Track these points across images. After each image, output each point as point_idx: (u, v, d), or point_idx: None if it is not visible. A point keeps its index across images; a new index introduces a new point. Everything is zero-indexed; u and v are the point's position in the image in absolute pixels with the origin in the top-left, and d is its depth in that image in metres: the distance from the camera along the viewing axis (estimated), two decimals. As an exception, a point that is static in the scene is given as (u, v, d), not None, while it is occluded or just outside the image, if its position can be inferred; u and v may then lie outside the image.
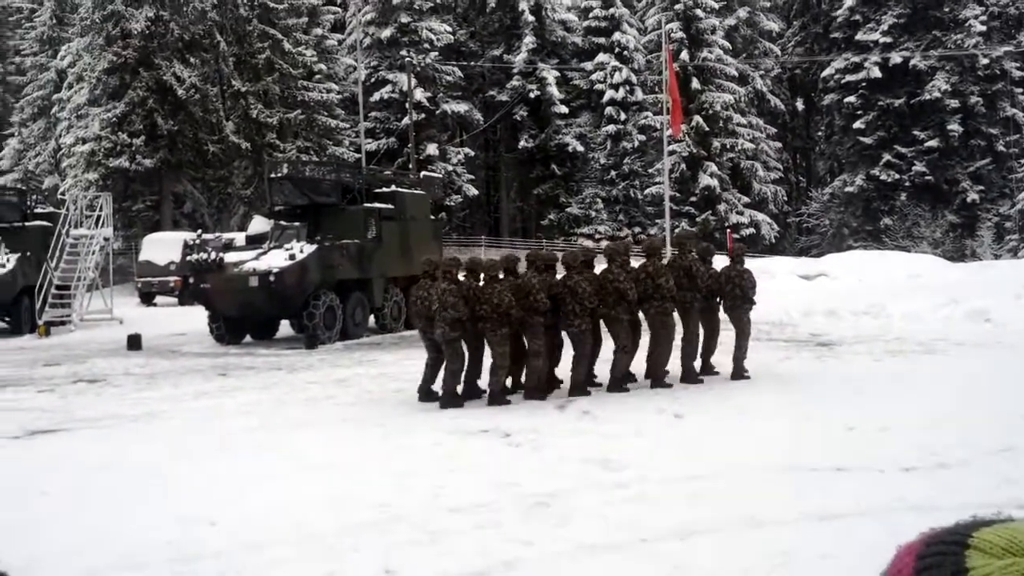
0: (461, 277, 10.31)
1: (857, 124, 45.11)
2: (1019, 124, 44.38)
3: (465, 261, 10.64)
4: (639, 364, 10.90)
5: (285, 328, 19.66)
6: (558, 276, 10.70)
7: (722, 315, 11.37)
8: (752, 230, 40.83)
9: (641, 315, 10.88)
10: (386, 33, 39.35)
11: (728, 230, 34.81)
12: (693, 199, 40.87)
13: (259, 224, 19.25)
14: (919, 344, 13.58)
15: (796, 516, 5.61)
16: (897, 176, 43.78)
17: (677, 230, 36.15)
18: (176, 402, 11.02)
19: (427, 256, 11.23)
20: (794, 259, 30.93)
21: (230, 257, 17.66)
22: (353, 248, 18.17)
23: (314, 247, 17.19)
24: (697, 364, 11.18)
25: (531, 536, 5.36)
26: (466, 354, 10.26)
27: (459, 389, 10.17)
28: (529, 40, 41.42)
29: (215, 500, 6.39)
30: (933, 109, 43.55)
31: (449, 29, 40.44)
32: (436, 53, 39.65)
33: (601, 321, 10.74)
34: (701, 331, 11.22)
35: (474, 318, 9.97)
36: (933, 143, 43.37)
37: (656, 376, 10.81)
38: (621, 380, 10.62)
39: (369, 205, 19.18)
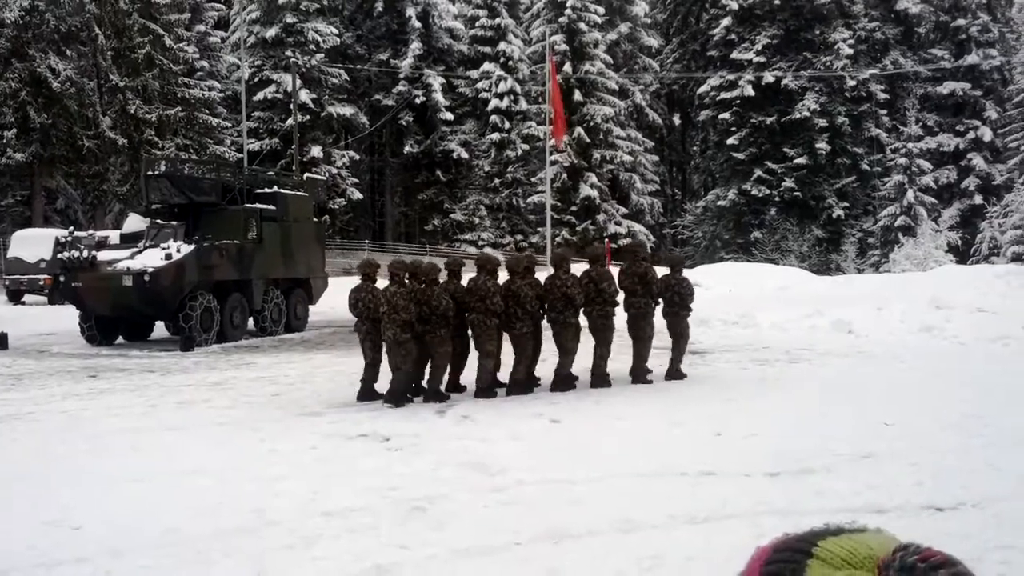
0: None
1: (731, 140, 46.55)
2: (882, 144, 46.49)
3: (409, 264, 10.80)
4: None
5: (160, 330, 19.14)
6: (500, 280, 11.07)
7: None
8: (629, 240, 41.65)
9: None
10: (271, 32, 38.69)
11: (607, 240, 35.44)
12: (574, 209, 41.46)
13: (135, 222, 18.68)
14: (786, 353, 14.09)
15: (666, 519, 5.76)
16: (767, 191, 45.35)
17: (556, 238, 36.59)
18: (43, 404, 10.62)
19: (366, 259, 11.43)
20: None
21: (103, 255, 17.13)
22: (232, 249, 17.83)
23: (192, 247, 16.81)
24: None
25: (406, 540, 5.38)
26: (415, 354, 10.43)
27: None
28: (416, 46, 41.36)
29: (81, 504, 6.21)
30: (803, 128, 45.27)
31: (335, 31, 40.02)
32: (322, 55, 39.18)
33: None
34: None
35: (418, 319, 10.28)
36: (802, 160, 45.09)
37: (597, 374, 11.34)
38: (566, 379, 11.12)
39: (250, 206, 18.85)
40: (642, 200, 44.49)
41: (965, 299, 19.60)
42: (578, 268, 11.60)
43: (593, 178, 41.65)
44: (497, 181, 42.61)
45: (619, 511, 5.92)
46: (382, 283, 10.80)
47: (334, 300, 25.69)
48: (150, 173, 17.98)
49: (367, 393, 10.65)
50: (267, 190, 19.79)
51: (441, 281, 10.73)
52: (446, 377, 10.78)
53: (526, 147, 42.83)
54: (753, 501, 6.12)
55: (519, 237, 43.02)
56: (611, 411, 9.59)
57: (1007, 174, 46.24)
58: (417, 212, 45.36)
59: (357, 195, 40.85)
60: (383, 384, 10.68)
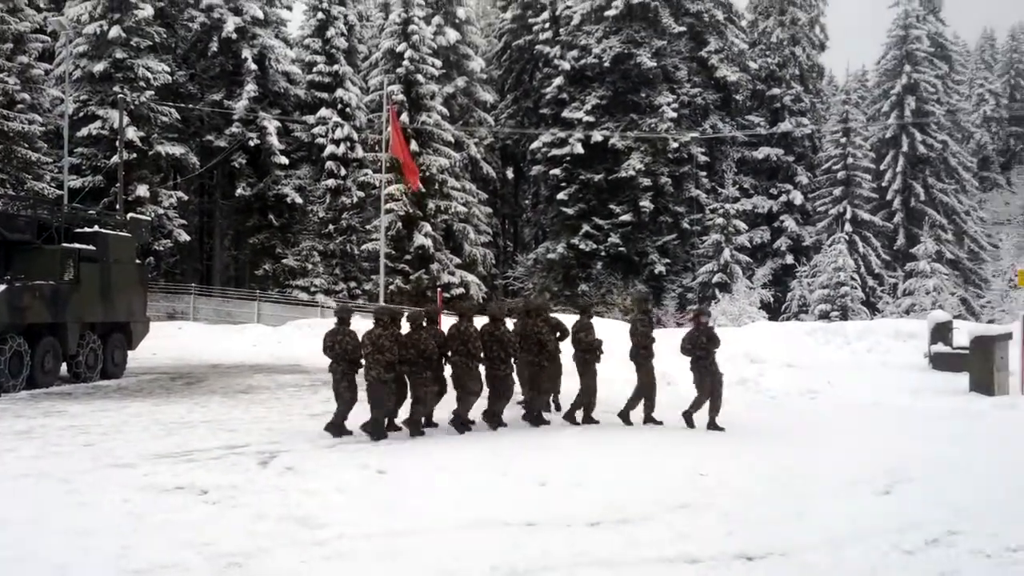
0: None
1: (561, 195, 47.78)
2: (702, 204, 48.69)
3: (392, 309, 11.78)
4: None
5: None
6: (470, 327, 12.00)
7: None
8: (462, 290, 41.95)
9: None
10: (99, 67, 37.25)
11: (439, 289, 35.58)
12: (408, 257, 41.48)
13: (-60, 260, 17.58)
14: (608, 405, 14.52)
15: (487, 571, 5.87)
16: (594, 246, 46.68)
17: (390, 286, 36.45)
18: None
19: (342, 304, 12.16)
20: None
21: (-97, 294, 16.00)
22: (47, 290, 17.05)
23: (2, 287, 15.95)
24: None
25: (222, 596, 5.31)
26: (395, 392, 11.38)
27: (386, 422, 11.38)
28: (251, 88, 40.70)
29: None
30: (628, 186, 46.91)
31: (167, 69, 38.89)
32: (152, 92, 38.01)
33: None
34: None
35: (401, 361, 11.17)
36: (627, 217, 46.69)
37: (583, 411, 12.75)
38: (539, 416, 12.52)
39: (68, 245, 18.10)
40: (475, 251, 44.95)
41: (776, 354, 20.75)
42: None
43: (427, 227, 41.83)
44: (331, 227, 42.17)
45: (440, 564, 6.00)
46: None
47: (155, 345, 24.88)
48: (-40, 208, 17.03)
49: (339, 429, 11.30)
50: (87, 229, 19.06)
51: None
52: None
53: (362, 194, 42.65)
54: (573, 551, 6.31)
55: (352, 284, 42.61)
56: (438, 461, 9.67)
57: (816, 236, 49.31)
58: (248, 256, 44.27)
59: (184, 237, 39.57)
60: (353, 422, 11.36)
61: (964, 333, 19.91)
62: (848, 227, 47.77)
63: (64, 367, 18.08)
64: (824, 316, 40.98)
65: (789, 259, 48.95)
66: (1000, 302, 44.75)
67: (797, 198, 50.08)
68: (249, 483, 8.52)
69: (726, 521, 7.21)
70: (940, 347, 20.16)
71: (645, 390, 12.88)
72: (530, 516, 7.28)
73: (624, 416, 12.85)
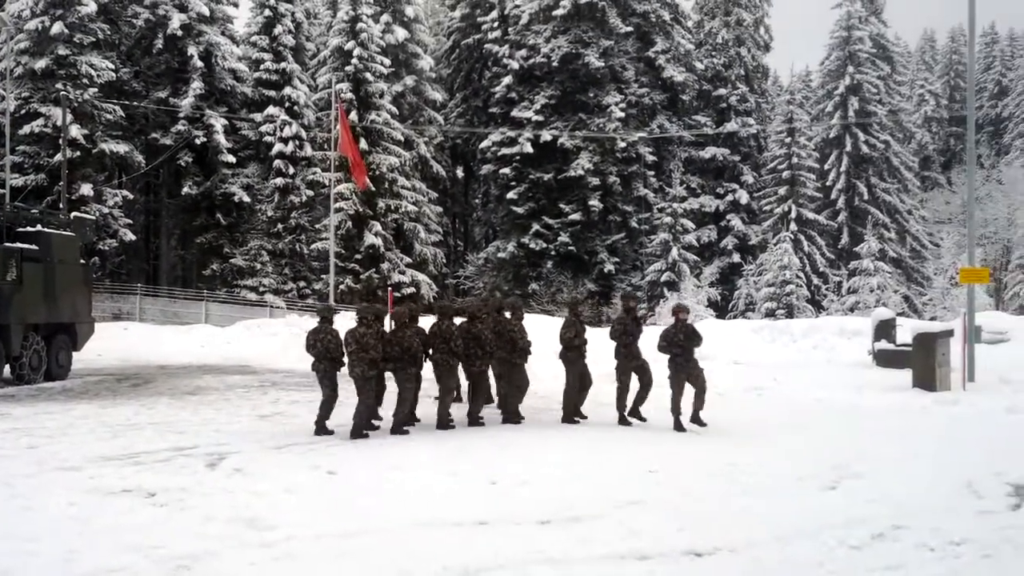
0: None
1: (511, 195, 47.85)
2: (650, 203, 49.06)
3: (376, 308, 11.98)
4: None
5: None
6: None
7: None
8: (413, 289, 41.82)
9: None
10: (41, 64, 36.55)
11: (390, 288, 35.40)
12: (358, 256, 41.26)
13: None
14: (559, 403, 14.59)
15: (439, 570, 5.88)
16: (544, 245, 46.82)
17: (340, 285, 36.20)
18: None
19: (325, 304, 12.24)
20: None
21: None
22: (-13, 291, 16.73)
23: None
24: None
25: (169, 600, 5.27)
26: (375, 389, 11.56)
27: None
28: (197, 85, 40.18)
29: None
30: (577, 185, 47.12)
31: (112, 66, 38.25)
32: (96, 89, 37.36)
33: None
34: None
35: (384, 359, 11.38)
36: (576, 216, 46.91)
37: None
38: (515, 414, 12.67)
39: (10, 245, 17.76)
40: (426, 250, 44.84)
41: (724, 352, 20.98)
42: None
43: (378, 226, 41.63)
44: (280, 226, 41.81)
45: (392, 564, 6.00)
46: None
47: (101, 347, 24.47)
48: None
49: (322, 429, 11.39)
50: (30, 229, 18.71)
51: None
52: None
53: (311, 193, 42.34)
54: (524, 550, 6.34)
55: (302, 284, 42.30)
56: (388, 461, 9.67)
57: (762, 235, 49.92)
58: (195, 256, 43.74)
59: (130, 236, 38.96)
60: (334, 421, 11.45)
61: (907, 330, 20.29)
62: (793, 226, 48.40)
63: (7, 369, 17.74)
64: (770, 314, 41.47)
65: (736, 258, 49.51)
66: (941, 299, 45.63)
67: (743, 197, 50.67)
68: (197, 485, 8.44)
69: (675, 518, 7.30)
70: (884, 344, 20.52)
71: (642, 386, 12.99)
72: (481, 515, 7.31)
73: (634, 414, 12.94)
